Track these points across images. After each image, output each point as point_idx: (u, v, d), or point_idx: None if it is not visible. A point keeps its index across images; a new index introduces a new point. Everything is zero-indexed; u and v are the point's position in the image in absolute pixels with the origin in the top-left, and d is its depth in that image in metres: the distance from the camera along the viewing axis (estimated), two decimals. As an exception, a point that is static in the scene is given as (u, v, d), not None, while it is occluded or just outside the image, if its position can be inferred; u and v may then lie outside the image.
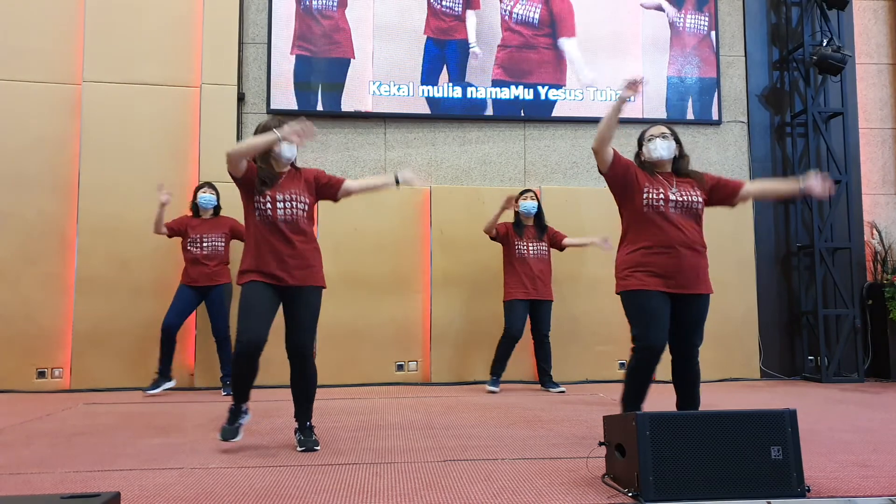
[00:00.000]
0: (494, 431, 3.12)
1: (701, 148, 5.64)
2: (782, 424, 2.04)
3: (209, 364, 4.70)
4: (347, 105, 5.32)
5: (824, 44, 5.42)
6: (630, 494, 1.98)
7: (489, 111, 5.43)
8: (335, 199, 2.96)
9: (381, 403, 4.09)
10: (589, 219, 5.24)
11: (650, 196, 2.70)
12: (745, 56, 5.79)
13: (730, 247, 5.40)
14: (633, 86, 2.57)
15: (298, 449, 2.69)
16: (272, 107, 5.24)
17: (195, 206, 4.56)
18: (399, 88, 5.36)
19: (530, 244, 4.65)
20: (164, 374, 4.48)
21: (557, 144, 5.54)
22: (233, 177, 2.74)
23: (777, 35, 5.88)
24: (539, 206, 4.73)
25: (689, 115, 5.62)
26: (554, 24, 5.52)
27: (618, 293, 2.78)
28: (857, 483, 2.18)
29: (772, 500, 1.95)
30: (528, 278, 4.59)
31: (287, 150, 2.75)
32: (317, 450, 2.69)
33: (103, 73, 5.00)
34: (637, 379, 2.72)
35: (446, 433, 3.08)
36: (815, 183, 2.69)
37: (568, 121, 5.53)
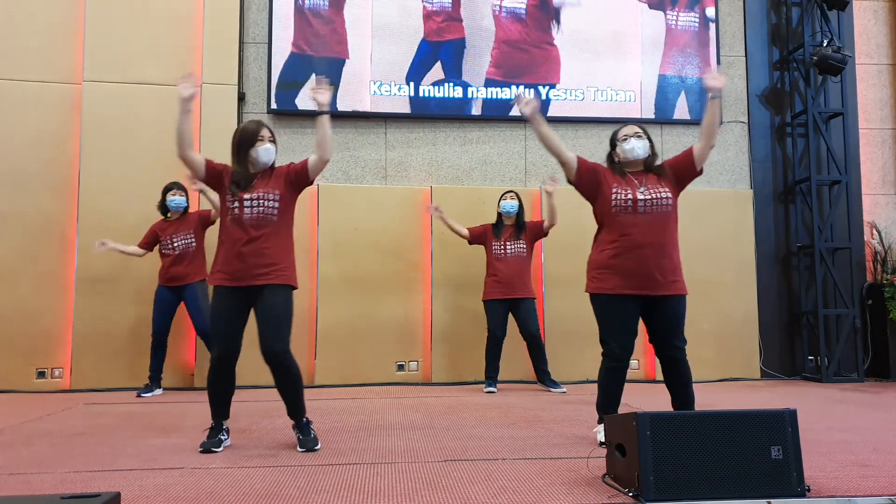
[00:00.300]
0: (495, 431, 3.12)
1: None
2: (782, 424, 2.04)
3: (208, 364, 4.70)
4: (345, 104, 5.31)
5: (824, 44, 5.42)
6: (630, 494, 1.98)
7: (482, 111, 5.42)
8: (310, 182, 2.79)
9: (381, 403, 4.09)
10: (589, 219, 5.19)
11: (618, 197, 2.71)
12: (746, 56, 5.80)
13: (730, 247, 5.41)
14: (528, 104, 2.69)
15: (299, 449, 2.69)
16: (272, 106, 5.24)
17: (164, 207, 4.55)
18: (400, 88, 5.37)
19: (507, 244, 4.64)
20: (155, 380, 4.50)
21: (557, 144, 5.54)
22: (202, 181, 2.75)
23: (777, 35, 5.88)
24: (520, 206, 4.72)
25: (686, 115, 5.62)
26: (547, 17, 5.51)
27: (586, 292, 2.82)
28: (857, 483, 2.18)
29: (772, 500, 1.95)
30: (504, 277, 4.57)
31: (264, 154, 2.71)
32: (317, 450, 2.68)
33: (103, 73, 5.00)
34: (607, 383, 2.77)
35: (447, 433, 3.08)
36: (710, 81, 2.71)
37: (568, 121, 5.53)
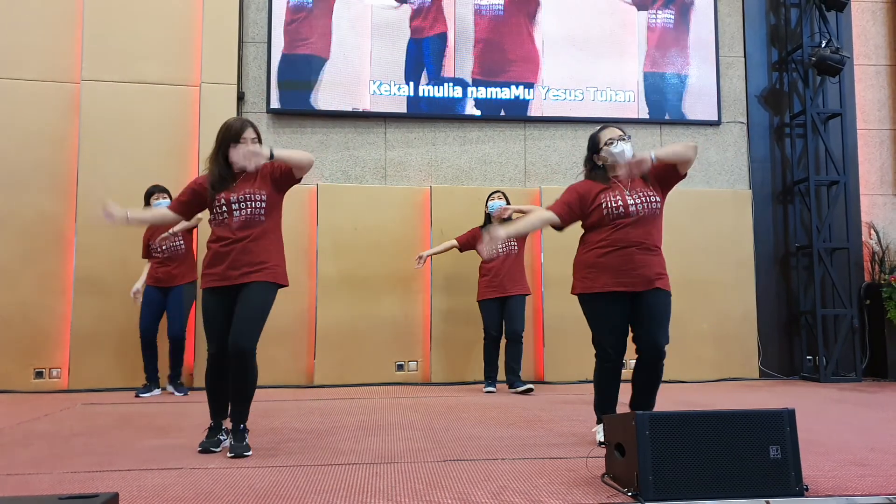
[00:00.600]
0: (494, 431, 3.12)
1: (700, 148, 5.64)
2: (781, 424, 2.04)
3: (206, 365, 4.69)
4: (344, 104, 5.31)
5: (823, 45, 5.43)
6: (629, 494, 1.98)
7: (476, 110, 5.42)
8: (298, 181, 2.75)
9: (381, 403, 4.08)
10: (588, 219, 5.25)
11: (609, 205, 2.70)
12: (745, 57, 5.80)
13: (729, 247, 5.41)
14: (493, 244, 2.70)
15: (228, 455, 2.56)
16: (272, 106, 5.24)
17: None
18: (399, 88, 5.37)
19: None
20: (152, 380, 4.50)
21: (558, 144, 5.55)
22: (187, 219, 2.81)
23: (776, 36, 5.89)
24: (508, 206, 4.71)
25: (682, 114, 5.63)
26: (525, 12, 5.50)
27: (573, 294, 2.82)
28: (856, 482, 2.18)
29: (770, 500, 1.95)
30: (496, 277, 4.58)
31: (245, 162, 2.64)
32: (247, 455, 2.57)
33: (102, 72, 4.99)
34: (601, 383, 2.77)
35: (446, 433, 3.08)
36: (632, 167, 2.65)
37: (568, 121, 5.54)
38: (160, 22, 5.10)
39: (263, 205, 2.67)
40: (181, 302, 4.48)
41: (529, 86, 5.49)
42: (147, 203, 4.45)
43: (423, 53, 5.40)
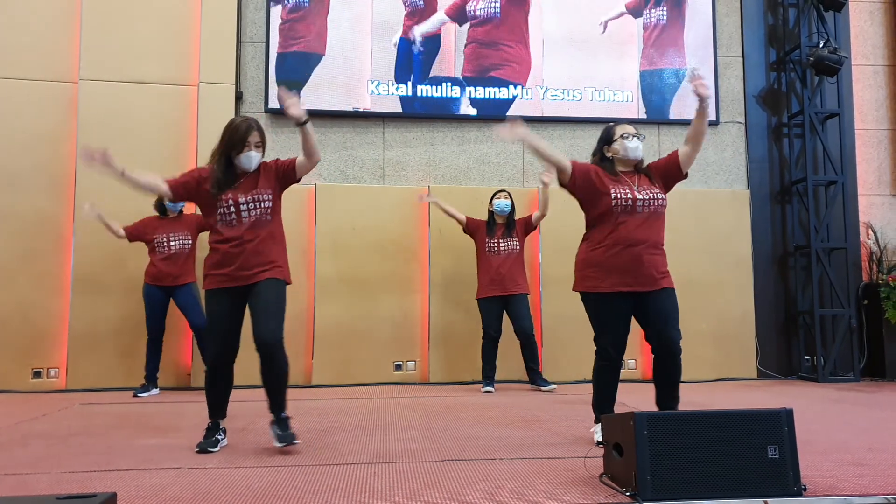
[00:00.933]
0: (492, 431, 3.12)
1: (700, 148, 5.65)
2: (779, 424, 2.04)
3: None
4: (344, 103, 5.31)
5: (821, 45, 5.44)
6: (628, 494, 1.98)
7: (471, 109, 5.42)
8: (297, 180, 2.80)
9: (379, 403, 4.08)
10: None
11: (619, 197, 2.68)
12: (743, 57, 5.81)
13: (727, 247, 5.42)
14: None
15: (276, 444, 2.64)
16: (270, 106, 5.23)
17: (161, 207, 4.52)
18: (398, 88, 5.37)
19: (501, 241, 4.65)
20: (151, 379, 4.50)
21: (556, 144, 5.54)
22: (177, 199, 2.77)
23: (774, 36, 5.89)
24: (512, 206, 4.73)
25: (683, 115, 5.63)
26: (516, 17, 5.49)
27: (575, 290, 2.80)
28: (854, 482, 2.19)
29: (769, 500, 1.95)
30: (498, 275, 4.58)
31: (245, 162, 2.67)
32: (296, 443, 2.64)
33: (100, 72, 4.98)
34: (600, 382, 2.77)
35: (444, 433, 3.08)
36: (700, 89, 2.72)
37: (566, 121, 5.54)
38: (158, 22, 5.10)
39: (270, 205, 2.70)
40: (193, 295, 4.48)
41: (500, 84, 5.48)
42: (161, 198, 4.47)
43: (421, 53, 5.40)
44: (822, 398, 4.32)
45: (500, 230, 4.68)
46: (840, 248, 5.54)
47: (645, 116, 5.58)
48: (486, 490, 2.10)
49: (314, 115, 5.24)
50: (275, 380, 2.69)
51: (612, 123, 2.88)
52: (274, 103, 5.24)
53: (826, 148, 5.56)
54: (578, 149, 5.56)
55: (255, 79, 5.30)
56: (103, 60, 4.99)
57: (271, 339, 2.64)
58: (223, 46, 5.15)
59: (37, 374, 4.75)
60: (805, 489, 2.01)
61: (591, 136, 5.52)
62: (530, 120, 5.50)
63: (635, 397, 4.16)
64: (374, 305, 5.07)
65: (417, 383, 5.04)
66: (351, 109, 5.31)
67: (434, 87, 5.40)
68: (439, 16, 5.40)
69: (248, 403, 3.95)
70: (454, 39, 5.44)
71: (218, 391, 2.73)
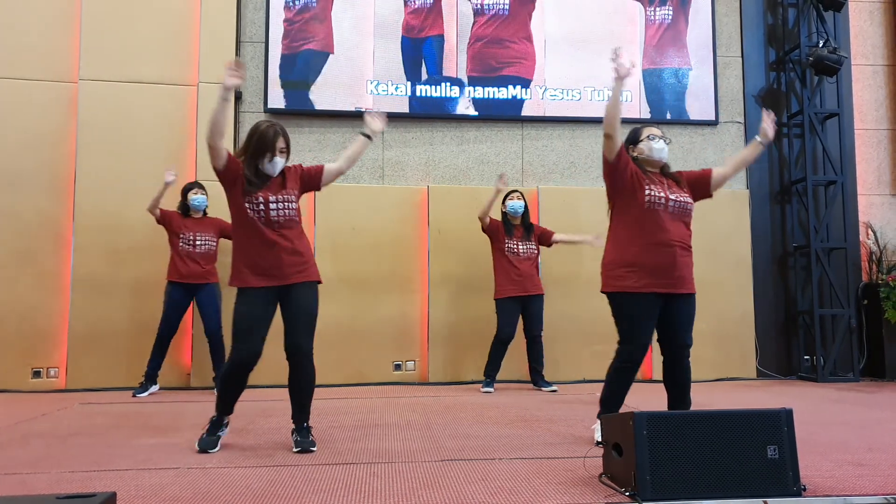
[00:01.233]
0: (492, 431, 3.12)
1: (698, 148, 5.66)
2: (779, 424, 2.04)
3: (205, 364, 4.68)
4: (344, 103, 5.31)
5: (820, 45, 5.44)
6: (627, 494, 1.98)
7: (474, 110, 5.42)
8: (319, 188, 2.91)
9: (378, 403, 4.08)
10: (586, 219, 5.25)
11: (653, 194, 2.67)
12: (742, 57, 5.81)
13: (726, 247, 5.42)
14: (624, 68, 2.56)
15: (294, 450, 2.68)
16: (269, 106, 5.23)
17: (185, 207, 4.52)
18: (397, 88, 5.36)
19: (520, 243, 4.67)
20: (151, 378, 4.49)
21: (555, 144, 5.55)
22: (217, 171, 2.69)
23: (774, 36, 5.90)
24: (525, 207, 4.74)
25: (682, 114, 5.63)
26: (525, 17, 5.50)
27: (605, 292, 2.77)
28: (853, 482, 2.19)
29: (768, 500, 1.95)
30: (517, 276, 4.61)
31: (269, 168, 2.70)
32: (313, 451, 2.68)
33: (99, 71, 4.98)
34: (619, 380, 2.74)
35: (444, 433, 3.08)
36: (766, 125, 2.76)
37: (565, 121, 5.54)
38: (157, 21, 5.09)
39: (296, 205, 2.77)
40: (215, 298, 4.49)
41: (526, 85, 5.49)
42: (184, 197, 4.49)
43: (421, 53, 5.40)
44: (821, 398, 4.32)
45: (518, 231, 4.71)
46: (840, 247, 5.54)
47: (645, 116, 5.57)
48: (486, 490, 2.10)
49: (317, 115, 5.30)
50: (304, 388, 2.75)
51: (638, 125, 2.90)
52: (273, 103, 5.24)
53: (826, 148, 5.57)
54: (578, 149, 5.56)
55: (254, 79, 5.30)
56: (103, 60, 4.99)
57: (305, 349, 2.71)
58: (222, 46, 5.14)
59: (37, 374, 4.74)
60: (805, 489, 2.01)
61: (591, 136, 5.57)
62: (530, 120, 5.51)
63: (635, 397, 4.15)
64: (373, 305, 5.07)
65: (417, 383, 5.04)
66: (353, 109, 5.31)
67: (437, 86, 5.40)
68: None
69: (248, 403, 3.95)
70: (460, 39, 5.44)
71: (234, 390, 2.73)
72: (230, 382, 2.71)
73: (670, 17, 5.66)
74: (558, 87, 5.53)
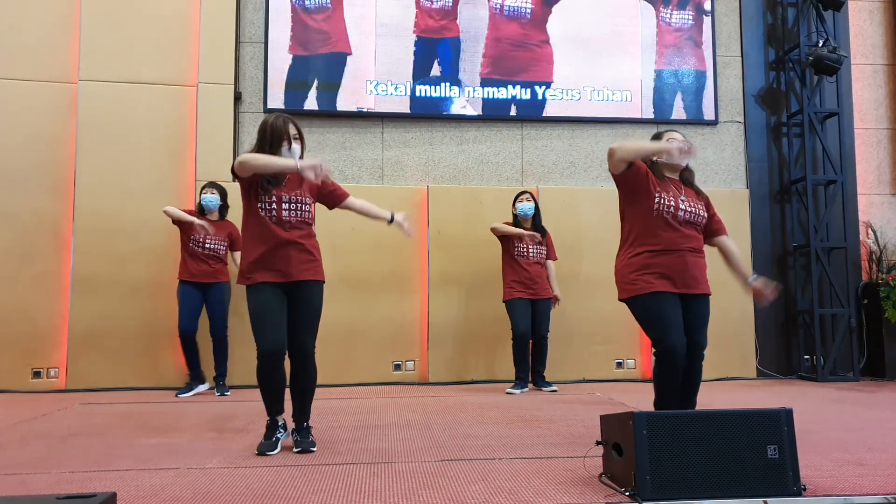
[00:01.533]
0: (492, 431, 3.12)
1: (698, 148, 5.64)
2: (779, 423, 2.04)
3: (206, 364, 4.68)
4: (345, 104, 5.31)
5: (820, 44, 5.44)
6: (627, 493, 1.98)
7: (481, 111, 5.43)
8: (331, 208, 2.97)
9: (378, 403, 4.08)
10: (586, 219, 5.26)
11: (662, 201, 2.68)
12: (742, 56, 5.81)
13: (726, 246, 5.41)
14: (682, 152, 2.63)
15: (294, 450, 2.68)
16: (269, 106, 5.23)
17: (200, 207, 4.55)
18: (396, 88, 5.36)
19: (531, 246, 4.67)
20: (196, 377, 4.52)
21: (555, 144, 5.55)
22: (237, 176, 2.70)
23: (773, 36, 5.90)
24: (536, 208, 4.75)
25: (681, 114, 5.63)
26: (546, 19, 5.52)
27: (623, 299, 2.74)
28: (853, 482, 2.19)
29: (768, 499, 1.95)
30: (527, 279, 4.62)
31: (290, 154, 2.73)
32: (313, 451, 2.68)
33: (99, 72, 4.98)
34: (666, 382, 2.66)
35: (444, 433, 3.08)
36: (762, 286, 2.81)
37: (565, 121, 5.54)
38: (157, 22, 5.09)
39: (310, 209, 2.80)
40: (223, 299, 4.52)
41: (526, 85, 5.48)
42: (200, 198, 4.55)
43: (424, 54, 5.40)
44: (821, 398, 4.32)
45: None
46: (840, 247, 5.54)
47: (645, 116, 5.57)
48: (486, 490, 2.10)
49: (315, 115, 5.29)
50: (306, 389, 2.76)
51: (661, 130, 2.91)
52: (272, 103, 5.23)
53: (825, 147, 5.56)
54: (578, 149, 5.56)
55: (254, 79, 5.30)
56: (102, 61, 4.99)
57: (308, 349, 2.73)
58: (222, 47, 5.14)
59: (37, 374, 4.74)
60: (805, 489, 2.01)
61: (591, 136, 5.57)
62: (531, 120, 5.51)
63: (635, 397, 4.16)
64: (373, 305, 5.07)
65: (416, 383, 5.04)
66: (354, 109, 5.31)
67: (436, 86, 5.40)
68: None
69: (248, 403, 3.95)
70: (465, 40, 5.43)
71: (273, 386, 2.71)
72: (263, 378, 2.69)
73: (687, 22, 5.66)
74: (558, 86, 5.53)
